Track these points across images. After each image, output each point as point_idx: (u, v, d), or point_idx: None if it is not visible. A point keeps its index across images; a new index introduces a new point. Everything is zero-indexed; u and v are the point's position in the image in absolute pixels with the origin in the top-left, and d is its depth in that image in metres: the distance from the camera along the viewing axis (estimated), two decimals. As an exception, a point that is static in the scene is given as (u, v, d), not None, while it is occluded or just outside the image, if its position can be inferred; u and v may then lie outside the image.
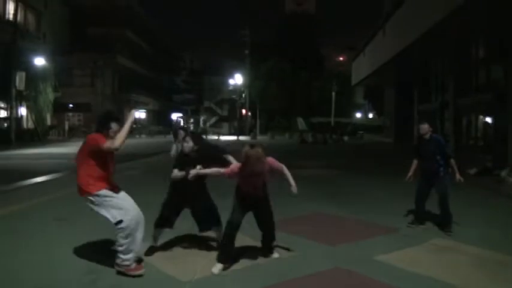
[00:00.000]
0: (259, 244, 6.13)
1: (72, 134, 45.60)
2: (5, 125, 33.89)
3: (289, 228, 7.44)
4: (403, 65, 29.97)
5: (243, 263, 5.61)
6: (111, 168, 5.33)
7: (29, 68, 35.14)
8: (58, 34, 46.64)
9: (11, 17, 34.65)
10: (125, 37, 58.39)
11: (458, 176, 7.50)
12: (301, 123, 54.48)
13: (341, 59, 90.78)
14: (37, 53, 37.24)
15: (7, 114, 34.45)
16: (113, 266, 5.29)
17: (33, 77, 36.28)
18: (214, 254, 5.79)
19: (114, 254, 5.29)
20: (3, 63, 33.89)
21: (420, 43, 23.03)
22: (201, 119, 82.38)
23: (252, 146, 5.48)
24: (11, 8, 35.23)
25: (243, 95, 61.91)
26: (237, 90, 64.34)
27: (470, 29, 19.95)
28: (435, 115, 28.93)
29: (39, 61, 36.87)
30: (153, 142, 39.23)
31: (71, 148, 28.98)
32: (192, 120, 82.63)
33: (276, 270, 5.42)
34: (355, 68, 46.21)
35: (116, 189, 5.31)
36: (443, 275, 5.29)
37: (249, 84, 61.51)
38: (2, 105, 35.41)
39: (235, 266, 5.49)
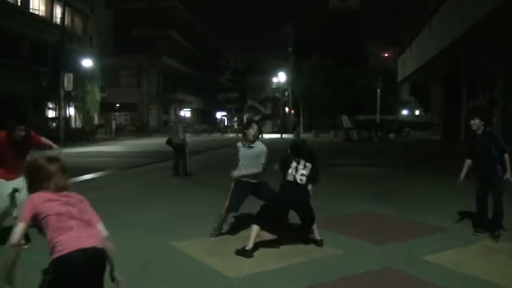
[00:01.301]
0: (306, 242, 6.14)
1: (119, 133, 46.48)
2: (54, 124, 34.83)
3: (337, 227, 7.39)
4: (450, 61, 29.30)
5: (290, 261, 5.58)
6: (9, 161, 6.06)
7: (76, 70, 36.04)
8: (104, 36, 47.78)
9: (58, 20, 35.62)
10: (169, 38, 59.15)
11: (508, 175, 6.78)
12: (345, 120, 53.78)
13: (386, 55, 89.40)
14: (84, 55, 38.25)
15: (56, 114, 35.43)
16: (164, 262, 5.45)
17: (81, 78, 37.17)
18: (261, 251, 5.81)
19: (164, 249, 5.37)
20: (52, 65, 34.91)
21: (467, 37, 22.46)
22: (245, 117, 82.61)
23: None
24: (58, 12, 36.26)
25: (286, 93, 61.76)
26: (280, 88, 64.16)
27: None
28: (484, 112, 28.21)
29: (87, 63, 37.84)
30: (200, 140, 39.57)
31: (118, 147, 29.62)
32: (235, 119, 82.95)
33: (323, 268, 5.38)
34: (401, 64, 45.48)
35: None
36: (493, 277, 5.13)
37: (292, 82, 61.30)
38: (51, 106, 36.45)
39: (282, 264, 5.47)
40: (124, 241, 6.44)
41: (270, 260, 5.63)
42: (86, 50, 40.13)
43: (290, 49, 60.42)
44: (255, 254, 5.75)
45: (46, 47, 35.08)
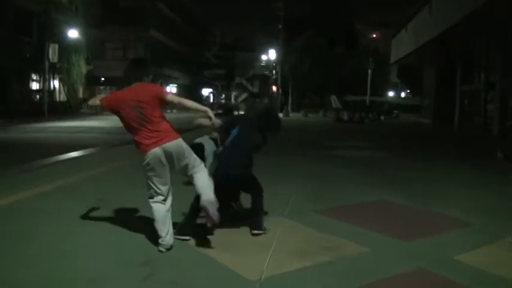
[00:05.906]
0: (326, 238, 5.54)
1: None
2: (38, 97, 33.84)
3: (355, 219, 6.73)
4: (448, 43, 28.72)
5: (313, 260, 4.96)
6: None
7: (61, 41, 34.94)
8: (90, 6, 46.34)
9: (43, -12, 34.40)
10: (157, 10, 57.97)
11: None
12: (334, 100, 53.43)
13: (374, 36, 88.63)
14: (70, 25, 36.99)
15: (40, 86, 34.40)
16: (170, 258, 4.87)
17: (66, 49, 36.10)
18: (275, 247, 5.21)
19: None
20: (37, 35, 33.73)
21: (469, 20, 21.88)
22: (232, 94, 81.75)
23: None
24: (44, -22, 34.97)
25: (274, 71, 61.00)
26: (269, 66, 63.37)
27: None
28: (479, 96, 27.96)
29: (72, 33, 36.61)
30: (186, 117, 38.83)
31: (104, 122, 28.78)
32: (223, 96, 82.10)
33: (354, 269, 4.79)
34: (394, 45, 44.77)
35: None
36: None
37: (282, 60, 60.50)
38: (35, 78, 35.34)
39: (305, 263, 4.85)
40: (121, 230, 5.82)
41: (289, 258, 5.00)
42: (72, 20, 38.80)
43: (280, 26, 59.48)
44: (272, 249, 5.15)
45: (31, 16, 33.78)
